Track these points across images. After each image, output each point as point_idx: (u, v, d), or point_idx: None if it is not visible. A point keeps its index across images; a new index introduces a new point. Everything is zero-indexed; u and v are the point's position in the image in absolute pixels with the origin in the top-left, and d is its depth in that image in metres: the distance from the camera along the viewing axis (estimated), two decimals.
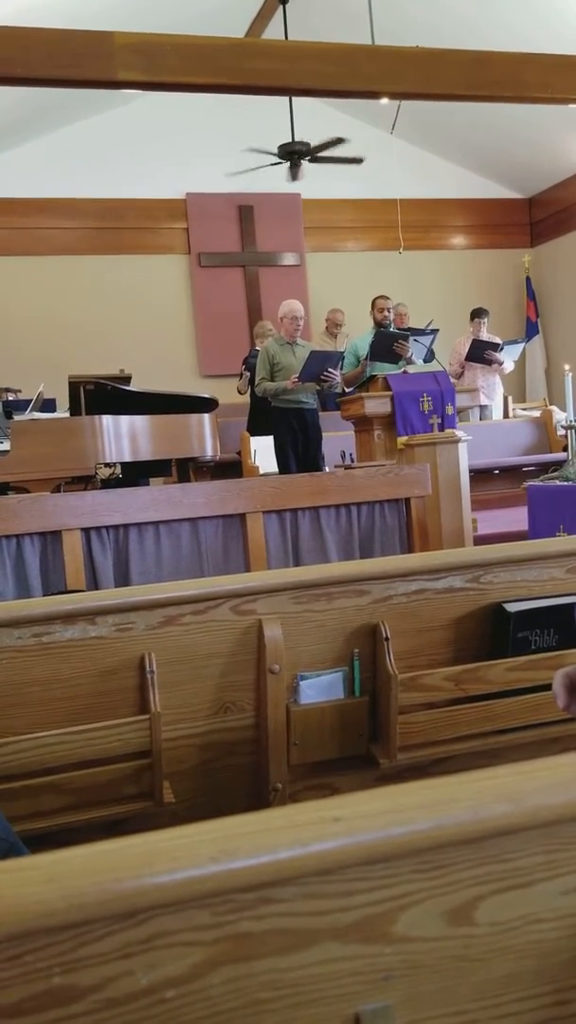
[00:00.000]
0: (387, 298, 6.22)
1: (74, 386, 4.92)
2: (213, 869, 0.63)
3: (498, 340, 7.20)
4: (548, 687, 1.38)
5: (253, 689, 1.74)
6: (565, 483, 3.91)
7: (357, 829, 0.66)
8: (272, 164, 7.23)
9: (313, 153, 7.15)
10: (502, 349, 7.02)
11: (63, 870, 0.62)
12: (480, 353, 6.97)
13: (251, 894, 0.65)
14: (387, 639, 1.77)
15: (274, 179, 7.54)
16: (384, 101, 5.96)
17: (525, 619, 1.85)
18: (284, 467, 5.44)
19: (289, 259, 8.96)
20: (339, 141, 6.91)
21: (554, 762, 0.73)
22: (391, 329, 5.99)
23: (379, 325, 6.05)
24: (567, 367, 4.22)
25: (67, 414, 5.08)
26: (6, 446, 4.36)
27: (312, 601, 1.76)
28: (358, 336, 6.35)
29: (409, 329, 6.29)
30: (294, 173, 7.24)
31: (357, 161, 7.14)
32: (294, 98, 7.02)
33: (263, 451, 5.98)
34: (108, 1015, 0.65)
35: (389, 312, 6.12)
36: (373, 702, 1.81)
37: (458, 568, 1.85)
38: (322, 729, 1.78)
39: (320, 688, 1.78)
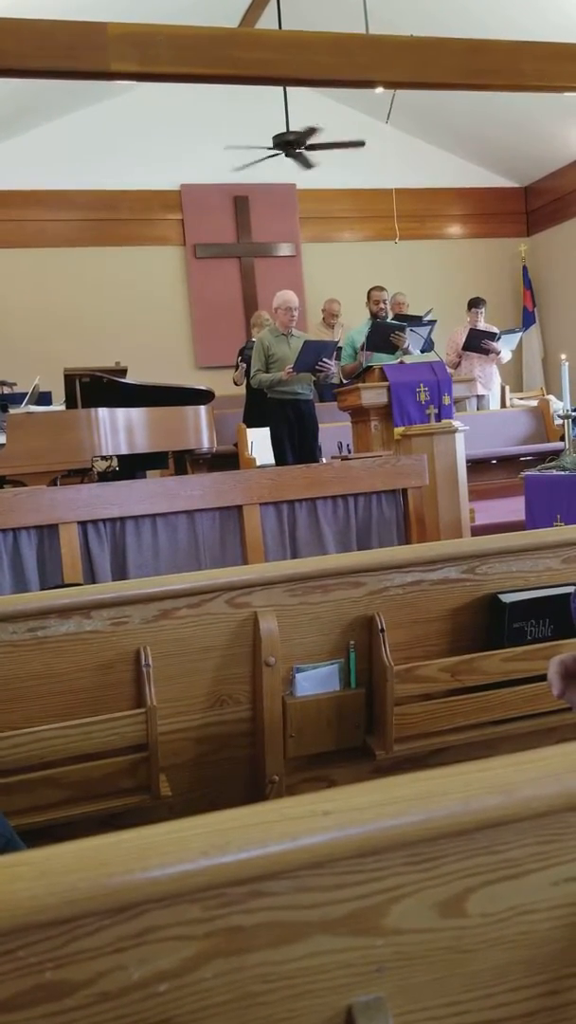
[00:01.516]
0: (382, 289, 6.20)
1: (70, 379, 4.91)
2: (204, 863, 0.63)
3: (495, 330, 7.19)
4: (544, 677, 1.39)
5: (249, 682, 1.75)
6: (562, 472, 3.91)
7: (347, 822, 0.66)
8: (270, 156, 7.20)
9: (301, 144, 7.11)
10: (499, 338, 7.00)
11: (54, 865, 0.62)
12: (477, 343, 6.96)
13: (242, 888, 0.66)
14: (383, 631, 1.77)
15: (269, 169, 7.50)
16: (379, 90, 5.92)
17: (520, 610, 1.85)
18: (281, 459, 5.43)
19: (285, 250, 8.93)
20: (313, 131, 6.87)
21: (545, 753, 0.74)
22: (387, 320, 5.97)
23: (374, 316, 6.04)
24: (563, 356, 4.22)
25: (63, 407, 5.07)
26: (2, 439, 4.36)
27: (307, 593, 1.76)
28: (354, 328, 6.34)
29: (406, 318, 6.28)
30: (304, 161, 7.19)
31: (359, 144, 7.10)
32: (288, 88, 6.98)
33: (260, 443, 5.97)
34: (101, 1009, 0.65)
35: (384, 303, 6.10)
36: (369, 694, 1.82)
37: (454, 559, 1.85)
38: (318, 721, 1.78)
39: (316, 680, 1.79)
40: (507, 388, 7.91)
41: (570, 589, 1.90)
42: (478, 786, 0.70)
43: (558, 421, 6.30)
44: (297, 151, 7.15)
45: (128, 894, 0.62)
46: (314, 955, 0.69)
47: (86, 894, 0.61)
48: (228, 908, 0.66)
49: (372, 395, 4.87)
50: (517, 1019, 0.75)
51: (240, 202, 8.73)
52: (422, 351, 5.68)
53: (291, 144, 7.09)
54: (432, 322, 5.83)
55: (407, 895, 0.70)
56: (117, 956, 0.64)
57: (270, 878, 0.66)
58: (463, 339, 7.06)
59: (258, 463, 5.82)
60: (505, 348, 7.11)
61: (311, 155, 7.28)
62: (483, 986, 0.74)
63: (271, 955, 0.68)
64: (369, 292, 6.19)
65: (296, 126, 7.20)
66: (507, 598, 1.85)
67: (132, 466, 5.38)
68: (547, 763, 0.72)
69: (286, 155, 7.22)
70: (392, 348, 5.55)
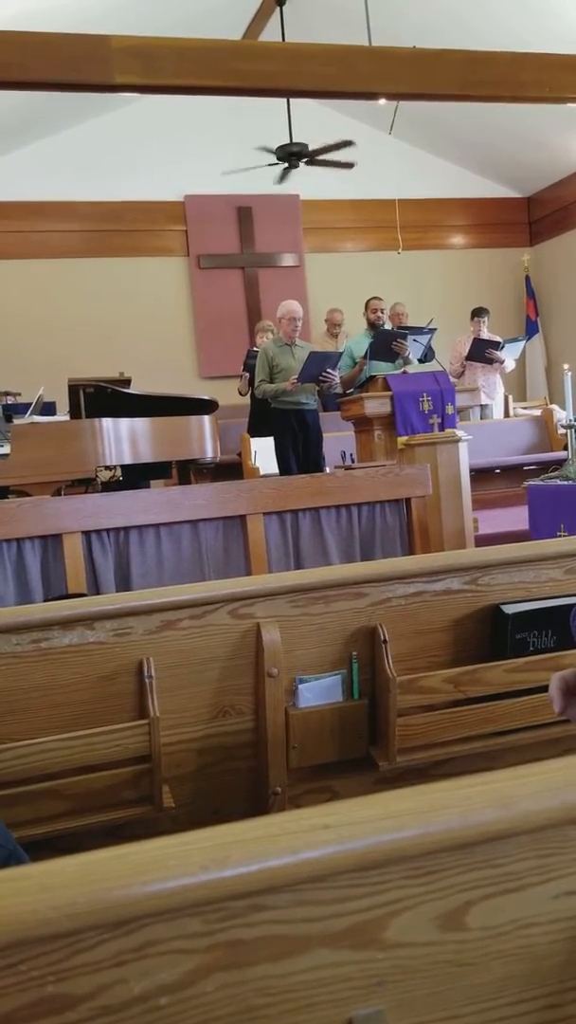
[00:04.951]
0: (380, 299, 6.22)
1: (74, 389, 4.93)
2: (204, 878, 0.63)
3: (499, 339, 7.20)
4: (547, 688, 1.39)
5: (252, 693, 1.75)
6: (565, 482, 3.91)
7: (347, 836, 0.66)
8: (270, 164, 7.24)
9: (311, 156, 7.16)
10: (503, 347, 7.02)
11: (55, 880, 0.62)
12: (481, 352, 6.97)
13: (243, 902, 0.66)
14: (385, 641, 1.77)
15: (272, 180, 7.55)
16: (382, 102, 5.95)
17: (523, 620, 1.85)
18: (285, 468, 5.44)
19: (288, 260, 8.96)
20: (347, 143, 6.91)
21: (544, 767, 0.74)
22: (385, 329, 5.99)
23: (372, 326, 6.06)
24: (567, 366, 4.22)
25: (67, 417, 5.09)
26: (6, 450, 4.37)
27: (310, 604, 1.76)
28: (352, 339, 6.36)
29: (407, 328, 6.30)
30: (283, 175, 7.25)
31: (348, 165, 7.17)
32: (292, 99, 7.03)
33: (263, 452, 5.99)
34: (102, 1023, 0.65)
35: (382, 313, 6.12)
36: (372, 705, 1.82)
37: (456, 570, 1.85)
38: (321, 732, 1.78)
39: (319, 691, 1.79)
40: (510, 397, 7.92)
41: (573, 600, 1.90)
42: (477, 800, 0.70)
43: (561, 431, 6.30)
44: (296, 163, 7.19)
45: (129, 908, 0.63)
46: (315, 969, 0.69)
47: (87, 908, 0.61)
48: (229, 922, 0.66)
49: (375, 404, 4.88)
50: None
51: (243, 213, 8.76)
52: (422, 360, 5.70)
53: (295, 155, 7.13)
54: (432, 330, 5.84)
55: (407, 909, 0.70)
56: (118, 970, 0.64)
57: (271, 892, 0.66)
58: (467, 348, 7.08)
59: (261, 472, 5.83)
60: (509, 357, 7.12)
61: (307, 169, 7.33)
62: (483, 999, 0.74)
63: (272, 969, 0.68)
64: (367, 302, 6.21)
65: (299, 137, 7.24)
66: (510, 609, 1.85)
67: (136, 476, 5.39)
68: (545, 777, 0.72)
69: (288, 167, 7.26)
70: (393, 357, 5.57)
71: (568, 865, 0.74)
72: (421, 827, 0.68)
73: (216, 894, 0.64)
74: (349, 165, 7.19)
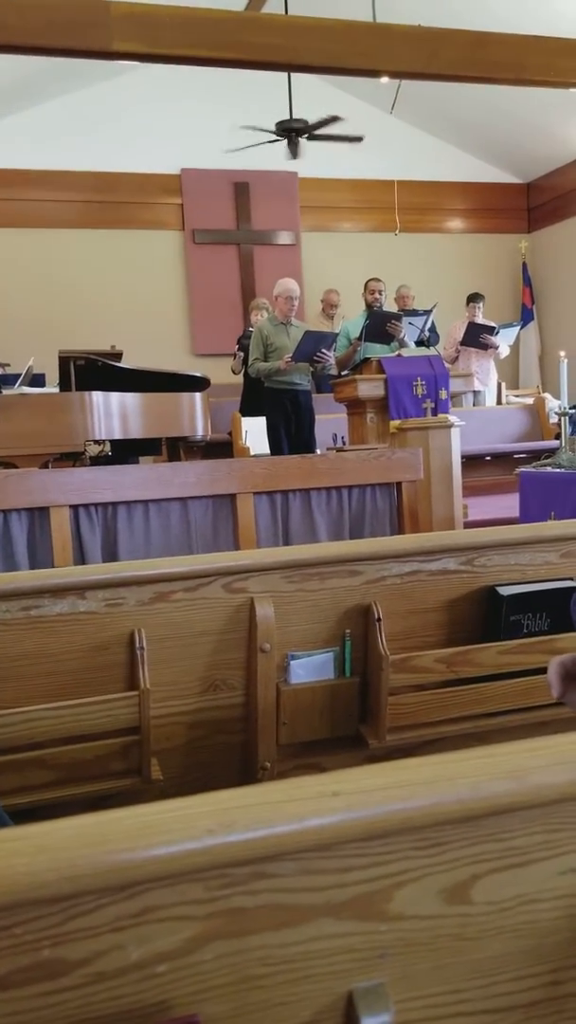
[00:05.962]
0: (379, 280, 6.17)
1: (64, 361, 4.87)
2: (208, 842, 0.61)
3: (493, 324, 7.18)
4: (539, 671, 1.38)
5: (244, 667, 1.73)
6: (557, 470, 3.90)
7: (356, 804, 0.64)
8: (270, 141, 7.14)
9: (310, 131, 7.06)
10: (497, 332, 6.99)
11: (54, 841, 0.60)
12: (476, 337, 6.95)
13: (246, 869, 0.64)
14: (379, 620, 1.76)
15: (271, 156, 7.44)
16: (384, 80, 5.88)
17: (518, 603, 1.84)
18: (276, 448, 5.41)
19: (284, 238, 8.88)
20: (335, 119, 6.82)
21: (557, 741, 0.72)
22: (380, 310, 5.95)
23: (370, 307, 6.02)
24: (562, 353, 4.21)
25: (57, 389, 5.02)
26: None
27: (305, 580, 1.74)
28: (350, 320, 6.32)
29: (407, 311, 6.26)
30: (293, 151, 7.15)
31: (357, 139, 7.06)
32: (293, 74, 6.93)
33: (254, 432, 5.95)
34: (97, 989, 0.63)
35: (381, 295, 6.08)
36: (364, 683, 1.81)
37: (452, 550, 1.84)
38: (312, 709, 1.77)
39: (311, 668, 1.77)
40: (503, 385, 7.91)
41: (568, 583, 1.89)
42: (488, 772, 0.68)
43: (553, 419, 6.30)
44: (297, 139, 7.09)
45: (129, 872, 0.61)
46: (316, 939, 0.67)
47: (86, 871, 0.59)
48: (231, 889, 0.64)
49: (369, 387, 4.85)
50: (519, 1009, 0.74)
51: (240, 188, 8.66)
52: (420, 343, 5.66)
53: (294, 131, 7.03)
54: (427, 312, 5.79)
55: (413, 880, 0.69)
56: (116, 935, 0.63)
57: (275, 859, 0.64)
58: (461, 333, 7.05)
59: (252, 453, 5.79)
60: (503, 342, 7.10)
61: (306, 146, 7.22)
62: (485, 975, 0.73)
63: (272, 938, 0.67)
64: (366, 283, 6.16)
65: (300, 113, 7.14)
66: (505, 591, 1.84)
67: (125, 451, 5.34)
68: (558, 751, 0.71)
69: (290, 143, 7.16)
70: (388, 338, 5.53)
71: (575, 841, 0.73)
72: (431, 797, 0.66)
73: (219, 860, 0.62)
74: (358, 139, 7.08)
